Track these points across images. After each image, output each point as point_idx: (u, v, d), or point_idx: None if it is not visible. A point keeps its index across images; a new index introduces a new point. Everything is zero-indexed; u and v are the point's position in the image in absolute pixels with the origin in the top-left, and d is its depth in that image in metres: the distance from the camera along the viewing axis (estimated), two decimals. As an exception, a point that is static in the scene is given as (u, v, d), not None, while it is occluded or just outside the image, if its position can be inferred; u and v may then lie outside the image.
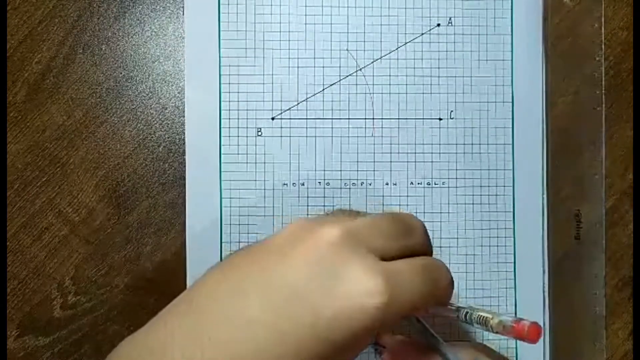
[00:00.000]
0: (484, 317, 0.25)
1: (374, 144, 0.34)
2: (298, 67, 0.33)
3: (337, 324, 0.20)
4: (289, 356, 0.20)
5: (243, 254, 0.24)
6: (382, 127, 0.34)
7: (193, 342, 0.21)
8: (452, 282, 0.25)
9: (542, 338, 0.34)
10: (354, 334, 0.21)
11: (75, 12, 0.33)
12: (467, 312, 0.25)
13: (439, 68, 0.34)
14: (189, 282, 0.32)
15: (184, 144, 0.33)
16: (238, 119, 0.33)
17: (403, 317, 0.22)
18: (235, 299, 0.21)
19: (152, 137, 0.33)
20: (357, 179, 0.33)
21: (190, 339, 0.21)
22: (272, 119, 0.33)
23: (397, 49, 0.34)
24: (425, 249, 0.25)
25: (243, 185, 0.33)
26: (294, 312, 0.21)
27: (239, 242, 0.33)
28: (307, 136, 0.33)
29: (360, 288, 0.21)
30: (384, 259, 0.22)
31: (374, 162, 0.34)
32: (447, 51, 0.34)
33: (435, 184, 0.34)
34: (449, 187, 0.34)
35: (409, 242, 0.24)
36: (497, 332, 0.24)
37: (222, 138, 0.33)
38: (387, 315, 0.21)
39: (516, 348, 0.34)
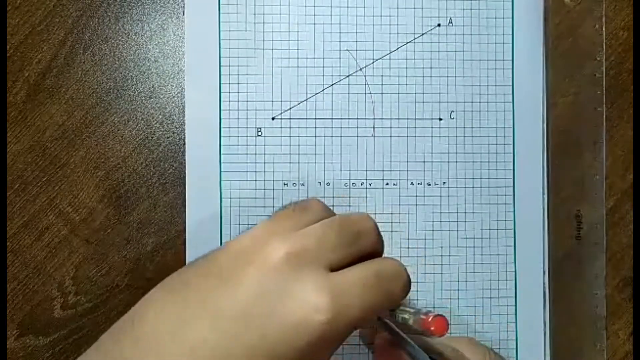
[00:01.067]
0: (405, 318, 0.25)
1: (374, 144, 0.34)
2: (298, 67, 0.33)
3: (283, 342, 0.20)
4: None
5: (188, 274, 0.23)
6: (382, 127, 0.34)
7: None
8: (408, 283, 0.24)
9: (543, 338, 0.34)
10: (301, 350, 0.21)
11: (76, 12, 0.33)
12: (397, 314, 0.26)
13: (439, 68, 0.34)
14: (189, 282, 0.32)
15: (184, 144, 0.33)
16: (238, 119, 0.33)
17: (355, 328, 0.22)
18: (181, 323, 0.21)
19: (152, 137, 0.33)
20: (357, 179, 0.33)
21: None
22: (273, 119, 0.33)
23: (397, 49, 0.34)
24: (376, 248, 0.25)
25: (243, 185, 0.33)
26: (241, 333, 0.21)
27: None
28: (307, 136, 0.33)
29: (305, 305, 0.21)
30: (333, 269, 0.22)
31: (374, 162, 0.34)
32: (447, 51, 0.34)
33: (435, 184, 0.34)
34: (449, 187, 0.34)
35: (360, 247, 0.24)
36: (417, 329, 0.24)
37: (222, 138, 0.33)
38: (334, 330, 0.21)
39: (516, 348, 0.34)
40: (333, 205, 0.33)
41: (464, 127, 0.34)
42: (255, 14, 0.33)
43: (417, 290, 0.33)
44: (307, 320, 0.21)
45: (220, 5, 0.33)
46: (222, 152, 0.33)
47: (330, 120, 0.33)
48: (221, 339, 0.21)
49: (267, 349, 0.21)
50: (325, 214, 0.25)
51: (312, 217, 0.24)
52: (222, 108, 0.33)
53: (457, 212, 0.34)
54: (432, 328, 0.23)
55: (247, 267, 0.22)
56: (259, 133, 0.33)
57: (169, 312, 0.22)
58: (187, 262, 0.32)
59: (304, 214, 0.24)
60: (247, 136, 0.33)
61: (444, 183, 0.34)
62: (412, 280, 0.32)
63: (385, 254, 0.33)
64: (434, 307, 0.34)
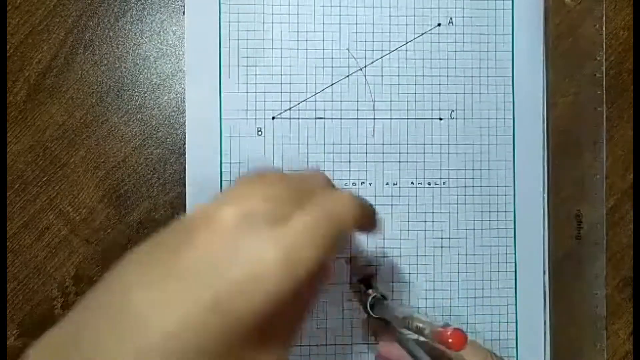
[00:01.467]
0: (420, 326, 0.25)
1: (375, 144, 0.34)
2: (298, 66, 0.33)
3: (240, 299, 0.20)
4: (196, 339, 0.20)
5: (145, 249, 0.23)
6: (382, 127, 0.34)
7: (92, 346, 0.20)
8: (361, 212, 0.24)
9: (543, 338, 0.34)
10: (261, 307, 0.20)
11: (76, 11, 0.33)
12: (409, 322, 0.26)
13: (439, 68, 0.34)
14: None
15: (184, 143, 0.33)
16: (238, 118, 0.33)
17: (311, 276, 0.22)
18: (136, 293, 0.21)
19: (152, 136, 0.33)
20: (358, 179, 0.33)
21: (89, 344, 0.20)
22: (273, 118, 0.33)
23: (397, 48, 0.34)
24: (324, 187, 0.25)
25: (243, 185, 0.33)
26: (196, 295, 0.20)
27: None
28: (307, 135, 0.33)
29: (255, 260, 0.21)
30: (284, 221, 0.22)
31: (375, 162, 0.34)
32: (447, 51, 0.34)
33: (435, 183, 0.34)
34: (449, 187, 0.34)
35: (311, 200, 0.23)
36: (433, 341, 0.24)
37: (222, 138, 0.33)
38: (290, 281, 0.21)
39: (516, 348, 0.34)
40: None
41: (464, 127, 0.34)
42: (255, 13, 0.33)
43: (417, 290, 0.33)
44: (260, 274, 0.20)
45: (221, 5, 0.33)
46: (222, 152, 0.33)
47: (330, 120, 0.33)
48: (177, 300, 0.20)
49: (225, 309, 0.20)
50: (280, 180, 0.25)
51: (265, 183, 0.24)
52: (222, 108, 0.33)
53: (457, 212, 0.34)
54: (450, 341, 0.23)
55: (198, 232, 0.22)
56: (259, 133, 0.33)
57: (127, 283, 0.21)
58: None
59: (258, 182, 0.25)
60: (247, 136, 0.33)
61: (444, 183, 0.34)
62: (412, 280, 0.32)
63: (384, 254, 0.33)
64: (434, 307, 0.34)
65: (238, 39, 0.33)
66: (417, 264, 0.34)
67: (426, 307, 0.34)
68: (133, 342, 0.20)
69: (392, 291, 0.33)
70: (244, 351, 0.21)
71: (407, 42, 0.34)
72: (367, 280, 0.33)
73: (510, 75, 0.34)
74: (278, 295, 0.21)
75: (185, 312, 0.20)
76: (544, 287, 0.34)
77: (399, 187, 0.34)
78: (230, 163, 0.33)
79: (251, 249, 0.21)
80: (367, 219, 0.25)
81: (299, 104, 0.33)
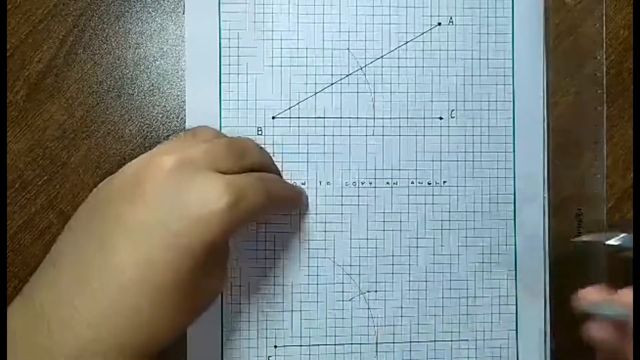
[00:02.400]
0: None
1: (375, 143, 0.34)
2: (298, 66, 0.33)
3: (192, 234, 0.23)
4: (157, 281, 0.22)
5: (90, 207, 0.25)
6: (382, 126, 0.34)
7: (63, 309, 0.22)
8: (284, 188, 0.30)
9: (544, 338, 0.34)
10: (213, 240, 0.23)
11: (76, 11, 0.33)
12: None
13: (439, 67, 0.34)
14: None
15: (184, 143, 0.33)
16: (238, 117, 0.33)
17: (252, 219, 0.25)
18: (96, 253, 0.23)
19: (152, 136, 0.33)
20: (357, 179, 0.33)
21: (59, 305, 0.22)
22: (273, 118, 0.33)
23: (397, 48, 0.34)
24: (261, 166, 0.28)
25: (243, 184, 0.33)
26: (154, 242, 0.22)
27: (239, 241, 0.33)
28: (307, 135, 0.33)
29: (205, 198, 0.23)
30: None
31: (374, 161, 0.33)
32: (447, 50, 0.34)
33: (436, 183, 0.34)
34: (449, 186, 0.34)
35: (245, 161, 0.26)
36: None
37: (222, 137, 0.33)
38: (235, 217, 0.23)
39: (517, 348, 0.34)
40: (334, 205, 0.33)
41: (465, 126, 0.34)
42: (255, 13, 0.33)
43: (417, 290, 0.33)
44: (211, 210, 0.23)
45: (221, 5, 0.33)
46: (222, 151, 0.33)
47: (330, 119, 0.33)
48: (137, 252, 0.22)
49: (181, 245, 0.22)
50: (214, 138, 0.27)
51: (201, 139, 0.27)
52: (222, 107, 0.33)
53: (458, 212, 0.34)
54: None
55: (143, 183, 0.23)
56: (260, 132, 0.33)
57: (84, 244, 0.24)
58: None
59: (194, 138, 0.27)
60: (247, 135, 0.33)
61: (444, 182, 0.34)
62: (412, 280, 0.32)
63: (385, 254, 0.33)
64: (434, 307, 0.34)
65: (238, 39, 0.33)
66: (416, 263, 0.33)
67: (426, 307, 0.33)
68: (109, 278, 0.22)
69: (392, 291, 0.33)
70: (196, 278, 0.23)
71: (407, 42, 0.34)
72: None
73: (511, 74, 0.34)
74: (225, 232, 0.23)
75: (148, 253, 0.22)
76: (544, 287, 0.34)
77: (399, 186, 0.34)
78: (230, 162, 0.33)
79: (201, 190, 0.23)
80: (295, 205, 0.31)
81: (299, 103, 0.33)
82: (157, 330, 0.23)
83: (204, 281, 0.24)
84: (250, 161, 0.27)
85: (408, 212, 0.34)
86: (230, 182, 0.24)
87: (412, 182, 0.34)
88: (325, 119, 0.33)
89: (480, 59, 0.34)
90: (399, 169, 0.34)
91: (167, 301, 0.23)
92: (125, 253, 0.22)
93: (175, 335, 0.24)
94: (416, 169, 0.34)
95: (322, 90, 0.33)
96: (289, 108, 0.33)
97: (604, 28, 0.34)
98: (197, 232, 0.23)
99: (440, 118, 0.34)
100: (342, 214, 0.33)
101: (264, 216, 0.33)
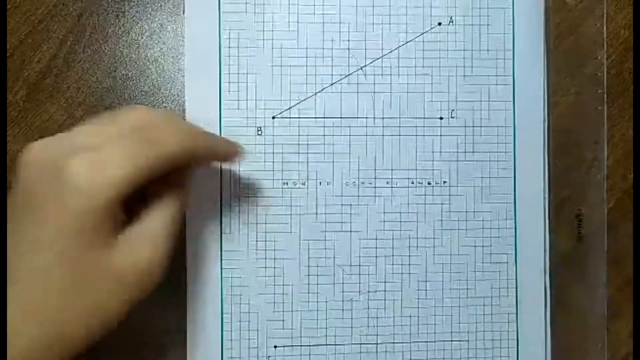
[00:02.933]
0: None
1: (375, 143, 0.33)
2: (298, 66, 0.33)
3: (68, 234, 0.23)
4: (55, 264, 0.23)
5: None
6: (383, 127, 0.34)
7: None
8: (201, 138, 0.27)
9: (544, 338, 0.34)
10: (88, 232, 0.23)
11: (76, 11, 0.33)
12: None
13: (440, 67, 0.34)
14: (188, 279, 0.32)
15: (184, 143, 0.33)
16: (238, 118, 0.33)
17: (122, 193, 0.23)
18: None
19: (152, 136, 0.33)
20: (358, 178, 0.33)
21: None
22: (273, 117, 0.33)
23: (398, 47, 0.34)
24: (143, 123, 0.26)
25: (243, 184, 0.33)
26: (65, 214, 0.23)
27: (240, 241, 0.33)
28: (307, 135, 0.33)
29: (66, 190, 0.23)
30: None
31: (375, 161, 0.33)
32: (448, 50, 0.34)
33: (436, 183, 0.34)
34: (449, 186, 0.34)
35: (125, 128, 0.25)
36: None
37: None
38: (95, 196, 0.23)
39: (517, 348, 0.34)
40: (334, 205, 0.33)
41: (465, 126, 0.34)
42: (255, 12, 0.33)
43: (417, 290, 0.33)
44: (71, 203, 0.23)
45: (221, 5, 0.33)
46: (222, 151, 0.33)
47: (330, 119, 0.33)
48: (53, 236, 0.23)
49: (85, 212, 0.23)
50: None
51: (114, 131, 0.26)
52: (222, 107, 0.33)
53: (458, 211, 0.34)
54: None
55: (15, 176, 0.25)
56: (259, 132, 0.33)
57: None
58: (187, 261, 0.32)
59: (105, 128, 0.26)
60: (247, 135, 0.33)
61: (445, 182, 0.34)
62: (412, 279, 0.32)
63: (385, 254, 0.33)
64: (434, 307, 0.34)
65: (238, 39, 0.33)
66: (417, 263, 0.33)
67: (426, 307, 0.33)
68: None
69: (392, 291, 0.33)
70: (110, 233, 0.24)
71: (407, 42, 0.34)
72: None
73: (511, 74, 0.34)
74: (95, 209, 0.23)
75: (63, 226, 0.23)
76: (545, 287, 0.34)
77: (399, 187, 0.34)
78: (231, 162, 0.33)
79: (72, 173, 0.23)
80: (204, 148, 0.27)
81: (299, 103, 0.33)
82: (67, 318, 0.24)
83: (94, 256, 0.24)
84: (133, 129, 0.25)
85: (408, 212, 0.33)
86: (93, 160, 0.23)
87: (412, 182, 0.34)
88: (325, 119, 0.33)
89: (480, 58, 0.34)
90: (399, 169, 0.34)
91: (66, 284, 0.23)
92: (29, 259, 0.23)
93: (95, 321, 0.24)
94: (416, 169, 0.34)
95: (322, 90, 0.33)
96: (289, 108, 0.33)
97: (605, 28, 0.34)
98: (70, 229, 0.23)
99: (441, 118, 0.34)
100: (342, 213, 0.33)
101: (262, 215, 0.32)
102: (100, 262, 0.24)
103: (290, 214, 0.33)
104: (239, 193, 0.33)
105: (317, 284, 0.33)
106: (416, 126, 0.34)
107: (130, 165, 0.24)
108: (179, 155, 0.25)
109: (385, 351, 0.33)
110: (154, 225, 0.26)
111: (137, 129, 0.25)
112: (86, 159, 0.23)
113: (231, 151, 0.29)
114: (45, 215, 0.23)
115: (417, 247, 0.34)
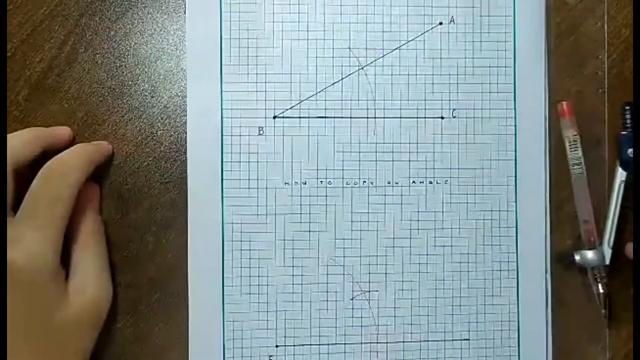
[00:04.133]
0: None
1: (376, 143, 0.34)
2: (300, 65, 0.33)
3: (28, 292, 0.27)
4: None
5: None
6: (384, 126, 0.34)
7: None
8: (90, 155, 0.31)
9: (545, 338, 0.34)
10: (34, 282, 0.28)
11: (77, 10, 0.33)
12: None
13: (441, 67, 0.34)
14: (190, 281, 0.32)
15: (185, 143, 0.33)
16: (240, 117, 0.33)
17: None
18: None
19: (153, 136, 0.33)
20: (359, 178, 0.33)
21: None
22: (274, 117, 0.33)
23: (399, 47, 0.34)
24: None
25: (244, 184, 0.33)
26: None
27: (241, 240, 0.33)
28: (308, 135, 0.33)
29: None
30: None
31: (376, 160, 0.33)
32: (449, 49, 0.34)
33: (437, 182, 0.34)
34: (450, 185, 0.34)
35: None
36: None
37: (223, 137, 0.33)
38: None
39: (518, 348, 0.34)
40: (335, 205, 0.33)
41: (466, 126, 0.34)
42: (256, 12, 0.33)
43: (418, 289, 0.33)
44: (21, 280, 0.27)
45: (222, 4, 0.33)
46: (223, 151, 0.33)
47: (331, 119, 0.33)
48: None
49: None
50: None
51: None
52: (223, 107, 0.33)
53: (459, 211, 0.34)
54: None
55: None
56: (261, 132, 0.33)
57: None
58: (188, 261, 0.32)
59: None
60: (248, 135, 0.33)
61: (446, 182, 0.34)
62: (412, 279, 0.32)
63: (386, 253, 0.33)
64: (435, 307, 0.34)
65: (239, 38, 0.33)
66: (418, 262, 0.34)
67: (427, 306, 0.34)
68: None
69: (393, 290, 0.33)
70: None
71: (408, 41, 0.34)
72: None
73: (512, 73, 0.34)
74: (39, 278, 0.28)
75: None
76: (546, 286, 0.34)
77: (400, 186, 0.34)
78: (232, 162, 0.33)
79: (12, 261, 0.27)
80: (97, 155, 0.32)
81: (300, 102, 0.33)
82: None
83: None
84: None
85: (410, 212, 0.34)
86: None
87: (413, 182, 0.34)
88: (327, 119, 0.33)
89: (481, 58, 0.34)
90: (401, 169, 0.34)
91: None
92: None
93: None
94: (418, 168, 0.34)
95: (324, 89, 0.33)
96: (290, 107, 0.33)
97: (606, 27, 0.34)
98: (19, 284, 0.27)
99: (442, 117, 0.34)
100: (342, 213, 0.33)
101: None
102: (57, 316, 0.28)
103: (291, 213, 0.33)
104: (240, 193, 0.33)
105: (318, 284, 0.33)
106: (417, 125, 0.34)
107: (51, 241, 0.28)
108: (82, 181, 0.30)
109: (386, 351, 0.33)
110: (87, 267, 0.30)
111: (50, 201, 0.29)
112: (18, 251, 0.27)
113: (103, 148, 0.33)
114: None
115: (418, 246, 0.34)
